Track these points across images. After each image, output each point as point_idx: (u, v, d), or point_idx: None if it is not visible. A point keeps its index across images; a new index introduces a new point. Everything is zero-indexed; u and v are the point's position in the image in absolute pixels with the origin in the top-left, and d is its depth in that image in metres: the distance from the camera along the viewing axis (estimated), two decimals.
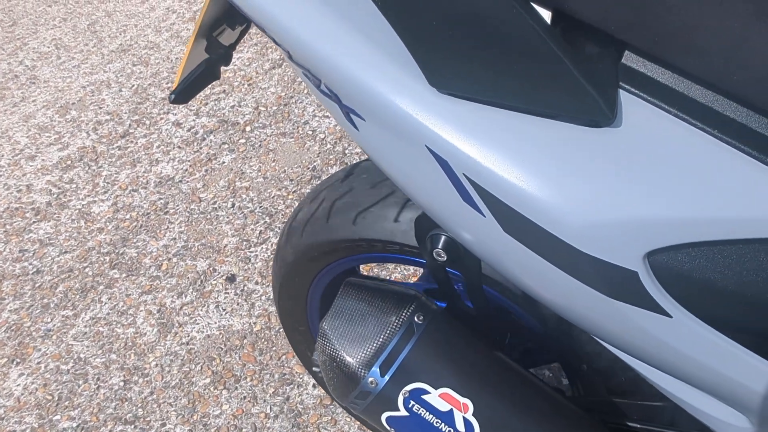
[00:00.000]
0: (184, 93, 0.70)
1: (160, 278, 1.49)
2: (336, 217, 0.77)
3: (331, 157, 1.73)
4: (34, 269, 1.56)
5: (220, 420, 1.21)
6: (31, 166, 1.85)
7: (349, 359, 0.60)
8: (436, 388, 0.59)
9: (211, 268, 1.49)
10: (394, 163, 0.50)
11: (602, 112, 0.40)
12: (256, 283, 1.44)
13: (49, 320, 1.44)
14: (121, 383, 1.30)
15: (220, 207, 1.64)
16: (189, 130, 1.89)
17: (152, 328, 1.39)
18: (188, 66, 0.72)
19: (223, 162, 1.77)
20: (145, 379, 1.30)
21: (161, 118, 1.96)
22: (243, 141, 1.83)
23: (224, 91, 2.03)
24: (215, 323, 1.38)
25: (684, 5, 0.37)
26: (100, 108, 2.03)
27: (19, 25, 2.50)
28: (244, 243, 1.54)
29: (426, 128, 0.44)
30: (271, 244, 1.52)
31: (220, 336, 1.35)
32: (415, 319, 0.60)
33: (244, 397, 1.24)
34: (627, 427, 0.71)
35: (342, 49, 0.47)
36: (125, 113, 2.00)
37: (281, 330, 1.34)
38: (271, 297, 1.41)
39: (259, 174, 1.72)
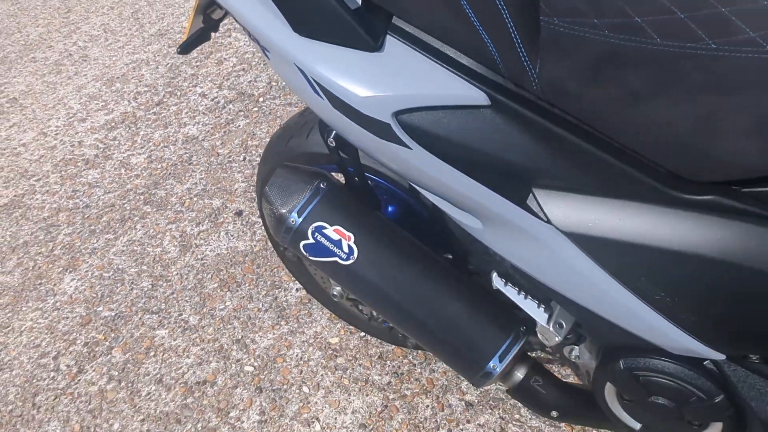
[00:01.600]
0: (186, 48, 1.05)
1: (183, 212, 1.86)
2: (294, 139, 1.12)
3: None
4: (84, 204, 1.94)
5: (224, 312, 1.57)
6: (82, 126, 2.24)
7: (280, 208, 0.94)
8: (331, 225, 0.93)
9: (223, 205, 1.86)
10: (285, 75, 0.85)
11: (369, 44, 0.74)
12: (259, 217, 1.80)
13: (95, 241, 1.81)
14: (150, 286, 1.67)
15: (233, 160, 2.00)
16: (212, 100, 2.26)
17: (175, 248, 1.76)
18: (191, 31, 1.08)
19: (239, 125, 2.14)
20: (168, 283, 1.66)
21: (190, 90, 2.33)
22: (256, 109, 2.20)
23: (243, 69, 2.39)
24: (224, 245, 1.74)
25: None
26: (140, 81, 2.42)
27: (73, 12, 2.91)
28: (251, 187, 1.90)
29: (294, 55, 0.79)
30: None
31: (228, 254, 1.71)
32: (321, 185, 0.94)
33: (243, 297, 1.60)
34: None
35: (253, 13, 0.82)
36: (160, 86, 2.38)
37: (273, 254, 1.69)
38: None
39: (267, 135, 2.08)
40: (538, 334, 0.90)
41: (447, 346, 0.95)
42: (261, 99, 2.24)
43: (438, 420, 1.30)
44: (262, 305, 1.57)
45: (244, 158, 2.00)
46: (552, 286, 0.80)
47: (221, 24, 1.10)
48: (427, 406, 1.32)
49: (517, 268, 0.83)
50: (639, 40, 0.60)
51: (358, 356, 1.43)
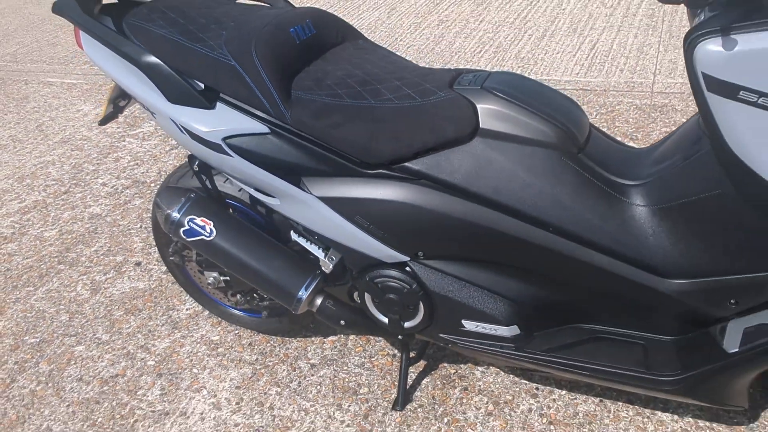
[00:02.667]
0: (104, 122, 1.65)
1: (92, 267, 2.34)
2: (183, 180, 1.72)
3: None
4: (5, 269, 2.38)
5: (129, 329, 2.05)
6: None
7: (167, 209, 1.52)
8: (198, 217, 1.51)
9: (125, 259, 2.36)
10: (166, 127, 1.45)
11: (208, 106, 1.38)
12: (154, 264, 2.32)
13: (17, 293, 2.25)
14: (67, 318, 2.12)
15: (132, 228, 2.53)
16: (112, 187, 2.80)
17: (87, 291, 2.23)
18: (105, 113, 1.67)
19: (136, 204, 2.68)
20: (83, 315, 2.13)
21: (92, 181, 2.86)
22: (149, 192, 2.75)
23: (137, 164, 2.96)
24: (127, 286, 2.24)
25: None
26: (48, 177, 2.92)
27: None
28: (148, 245, 2.43)
29: (170, 114, 1.40)
30: None
31: (131, 291, 2.21)
32: (191, 195, 1.53)
33: (144, 318, 2.09)
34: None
35: (146, 94, 1.43)
36: (66, 179, 2.89)
37: (167, 287, 2.21)
38: (162, 269, 2.29)
39: None
40: (323, 267, 1.50)
41: (272, 285, 1.52)
42: (153, 184, 2.80)
43: (291, 377, 1.83)
44: (160, 322, 2.07)
45: (141, 226, 2.54)
46: (320, 232, 1.42)
47: (123, 116, 1.70)
48: (284, 370, 1.86)
49: (302, 225, 1.45)
50: (338, 100, 1.28)
51: (233, 346, 1.96)
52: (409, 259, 1.40)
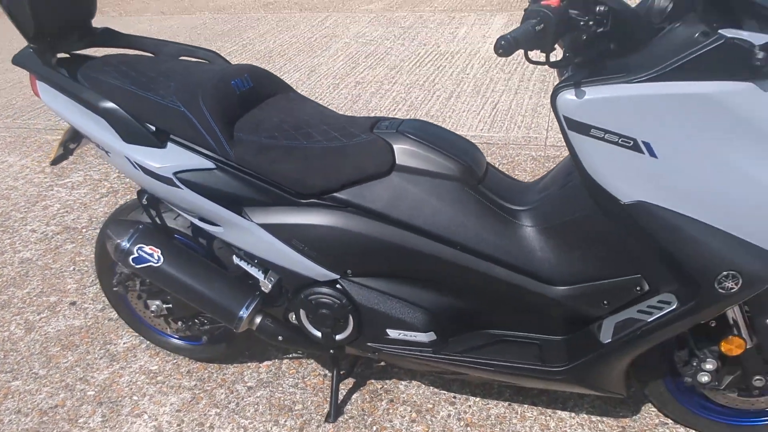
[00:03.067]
0: (56, 162, 1.80)
1: (25, 308, 2.41)
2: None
3: None
4: None
5: (67, 364, 2.14)
6: None
7: (117, 239, 1.68)
8: (147, 245, 1.67)
9: (59, 300, 2.44)
10: (119, 164, 1.63)
11: (159, 145, 1.58)
12: (90, 303, 2.41)
13: None
14: (1, 356, 2.18)
15: (65, 271, 2.61)
16: (42, 233, 2.87)
17: (21, 330, 2.29)
18: (56, 154, 1.82)
19: (67, 248, 2.76)
20: (18, 353, 2.19)
21: (21, 228, 2.92)
22: (80, 237, 2.84)
23: (66, 211, 3.05)
24: (63, 324, 2.32)
25: None
26: None
27: None
28: (82, 287, 2.52)
29: (125, 152, 1.58)
30: (99, 287, 2.51)
31: (66, 329, 2.29)
32: (139, 226, 1.70)
33: (82, 353, 2.18)
34: None
35: (102, 135, 1.61)
36: None
37: (104, 324, 2.31)
38: (98, 307, 2.39)
39: (92, 253, 2.72)
40: (262, 288, 1.69)
41: (215, 306, 1.68)
42: (84, 230, 2.90)
43: (229, 399, 1.97)
44: (98, 355, 2.17)
45: (74, 269, 2.62)
46: (260, 255, 1.61)
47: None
48: (222, 393, 2.00)
49: (244, 251, 1.64)
50: (275, 141, 1.51)
51: (172, 374, 2.08)
52: (339, 276, 1.61)
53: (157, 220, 1.76)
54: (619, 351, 1.47)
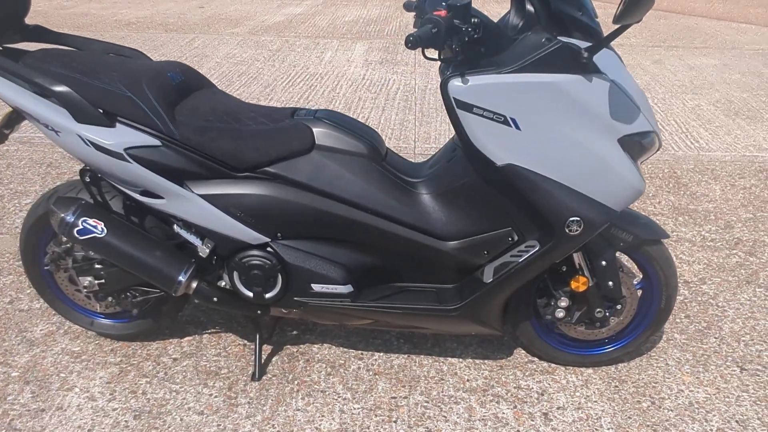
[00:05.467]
0: None
1: None
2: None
3: None
4: None
5: None
6: None
7: (61, 213, 1.83)
8: (91, 218, 1.84)
9: None
10: (68, 143, 1.78)
11: (109, 125, 1.79)
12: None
13: None
14: None
15: None
16: None
17: None
18: None
19: None
20: None
21: None
22: None
23: None
24: None
25: None
26: None
27: None
28: None
29: (77, 131, 1.75)
30: (2, 282, 2.55)
31: None
32: (82, 201, 1.87)
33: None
34: None
35: (53, 115, 1.78)
36: None
37: (15, 314, 2.37)
38: (5, 300, 2.44)
39: None
40: (199, 253, 1.91)
41: (156, 272, 1.87)
42: None
43: (157, 370, 2.15)
44: (14, 342, 2.24)
45: None
46: (199, 223, 1.85)
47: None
48: (149, 365, 2.16)
49: (184, 220, 1.87)
50: (211, 123, 1.79)
51: (96, 353, 2.21)
52: (270, 240, 1.89)
53: (98, 197, 1.93)
54: (499, 287, 1.87)
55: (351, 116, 2.01)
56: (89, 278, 2.02)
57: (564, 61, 1.60)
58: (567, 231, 1.74)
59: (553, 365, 2.19)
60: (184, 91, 1.92)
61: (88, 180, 1.90)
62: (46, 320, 2.35)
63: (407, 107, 4.66)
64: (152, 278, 1.90)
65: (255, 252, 1.89)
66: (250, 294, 1.95)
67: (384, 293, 1.96)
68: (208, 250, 1.90)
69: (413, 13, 2.14)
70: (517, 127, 1.66)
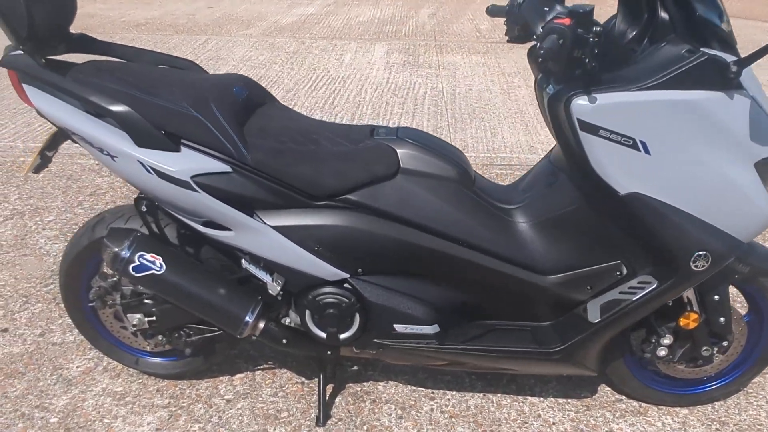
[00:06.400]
0: (38, 169, 1.71)
1: None
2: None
3: None
4: None
5: (17, 392, 1.97)
6: None
7: (115, 248, 1.62)
8: (148, 253, 1.64)
9: None
10: (126, 170, 1.57)
11: (174, 149, 1.58)
12: (25, 329, 2.24)
13: None
14: None
15: None
16: None
17: None
18: (33, 165, 1.73)
19: None
20: None
21: None
22: None
23: None
24: (0, 352, 2.14)
25: None
26: None
27: None
28: (10, 312, 2.33)
29: (138, 157, 1.55)
30: (31, 311, 2.34)
31: (4, 357, 2.11)
32: (137, 234, 1.66)
33: (31, 380, 2.02)
34: None
35: (111, 139, 1.57)
36: None
37: (47, 349, 2.16)
38: (36, 333, 2.22)
39: (11, 276, 2.52)
40: (269, 290, 1.70)
41: (219, 312, 1.67)
42: None
43: (210, 413, 1.94)
44: (50, 381, 2.03)
45: None
46: (270, 258, 1.64)
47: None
48: (201, 408, 1.96)
49: (252, 254, 1.66)
50: (285, 145, 1.58)
51: (141, 393, 2.00)
52: (349, 275, 1.68)
53: (154, 227, 1.72)
54: (606, 329, 1.67)
55: (433, 133, 1.79)
56: (138, 315, 1.81)
57: (709, 76, 1.40)
58: (692, 266, 1.54)
59: (644, 405, 1.99)
60: (250, 107, 1.72)
61: (145, 209, 1.69)
62: (82, 355, 2.14)
63: (438, 113, 4.46)
64: (215, 319, 1.70)
65: (331, 289, 1.68)
66: (323, 335, 1.74)
67: (473, 333, 1.75)
68: (279, 288, 1.69)
69: (499, 18, 1.93)
70: (647, 152, 1.45)
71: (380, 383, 2.06)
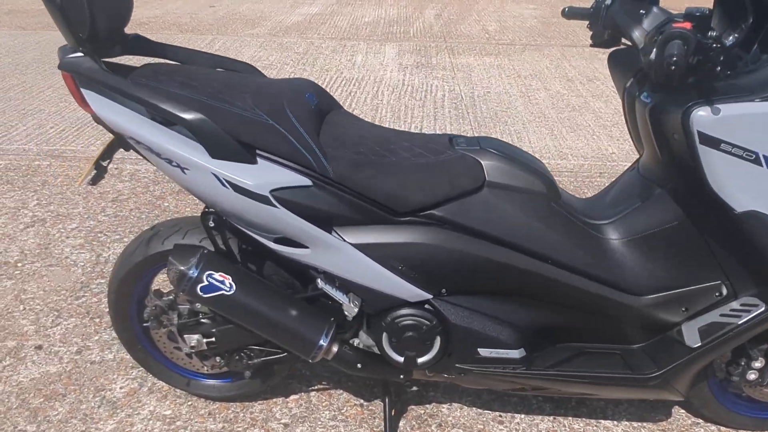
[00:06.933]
0: (95, 180, 1.58)
1: None
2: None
3: (93, 274, 2.48)
4: None
5: (59, 416, 1.84)
6: None
7: (182, 267, 1.50)
8: (216, 272, 1.51)
9: (19, 344, 2.10)
10: (197, 183, 1.45)
11: (251, 160, 1.45)
12: (60, 346, 2.11)
13: None
14: None
15: (14, 311, 2.26)
16: None
17: None
18: (87, 174, 1.60)
19: (6, 285, 2.39)
20: None
21: None
22: (17, 272, 2.48)
23: None
24: (35, 371, 2.00)
25: None
26: None
27: None
28: (42, 328, 2.19)
29: (212, 168, 1.42)
30: (65, 327, 2.20)
31: (42, 377, 1.98)
32: (204, 251, 1.53)
33: (73, 402, 1.89)
34: None
35: (183, 150, 1.44)
36: None
37: (86, 368, 2.02)
38: (72, 350, 2.09)
39: (38, 289, 2.38)
40: (345, 312, 1.59)
41: (291, 335, 1.56)
42: (19, 264, 2.53)
43: None
44: (94, 404, 1.89)
45: (24, 308, 2.28)
46: (348, 277, 1.52)
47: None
48: None
49: (328, 273, 1.54)
50: (364, 156, 1.47)
51: (192, 417, 1.87)
52: (432, 296, 1.57)
53: (221, 244, 1.60)
54: (707, 354, 1.57)
55: (513, 144, 1.68)
56: (196, 337, 1.69)
57: None
58: None
59: (724, 430, 1.90)
60: (321, 115, 1.60)
61: (212, 225, 1.57)
62: (124, 375, 2.01)
63: (460, 116, 4.36)
64: (286, 342, 1.58)
65: (412, 310, 1.57)
66: (401, 359, 1.62)
67: (559, 357, 1.65)
68: (356, 309, 1.57)
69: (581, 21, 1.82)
70: None
71: (443, 405, 1.95)
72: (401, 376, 1.70)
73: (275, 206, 1.44)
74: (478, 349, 1.59)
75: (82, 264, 2.55)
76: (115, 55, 1.58)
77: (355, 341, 1.69)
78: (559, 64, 5.70)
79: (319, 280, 1.57)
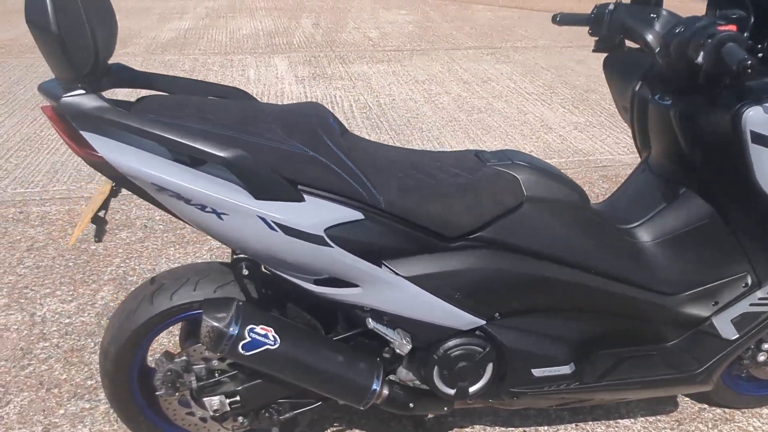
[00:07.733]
0: (99, 236, 1.35)
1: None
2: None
3: (32, 337, 2.15)
4: None
5: None
6: None
7: (220, 325, 1.32)
8: (258, 325, 1.34)
9: None
10: (237, 229, 1.27)
11: (299, 198, 1.30)
12: (20, 428, 1.80)
13: None
14: None
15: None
16: None
17: None
18: (82, 230, 1.36)
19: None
20: None
21: None
22: None
23: None
24: None
25: None
26: None
27: None
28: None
29: (257, 210, 1.25)
30: (18, 404, 1.88)
31: None
32: (239, 303, 1.35)
33: None
34: None
35: (223, 193, 1.25)
36: None
37: None
38: (38, 429, 1.79)
39: None
40: (398, 350, 1.46)
41: (341, 383, 1.42)
42: None
43: None
44: None
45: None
46: (399, 313, 1.41)
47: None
48: None
49: (377, 310, 1.41)
50: (403, 182, 1.35)
51: None
52: (485, 322, 1.48)
53: (254, 293, 1.42)
54: (744, 344, 1.61)
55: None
56: (218, 398, 1.50)
57: None
58: None
59: (728, 411, 1.98)
60: (342, 140, 1.47)
61: (246, 273, 1.38)
62: None
63: (374, 126, 4.30)
64: (335, 391, 1.44)
65: (464, 339, 1.48)
66: (452, 391, 1.53)
67: (605, 366, 1.63)
68: (409, 346, 1.45)
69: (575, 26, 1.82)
70: None
71: (466, 429, 1.88)
72: (445, 408, 1.60)
73: (330, 245, 1.29)
74: (532, 370, 1.54)
75: (16, 327, 2.21)
76: (106, 89, 1.36)
77: (392, 377, 1.57)
78: (450, 67, 5.81)
79: (369, 320, 1.44)
